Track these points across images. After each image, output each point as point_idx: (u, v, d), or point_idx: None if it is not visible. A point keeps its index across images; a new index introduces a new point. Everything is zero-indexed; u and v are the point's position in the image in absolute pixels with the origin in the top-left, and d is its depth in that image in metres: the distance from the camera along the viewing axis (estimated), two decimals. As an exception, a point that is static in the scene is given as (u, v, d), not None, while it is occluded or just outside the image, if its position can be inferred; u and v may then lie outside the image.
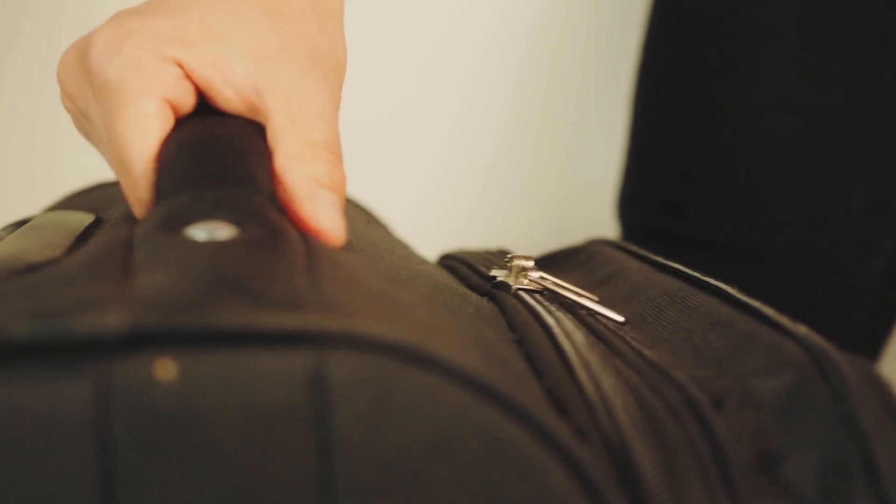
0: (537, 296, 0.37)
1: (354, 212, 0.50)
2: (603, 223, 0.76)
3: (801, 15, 0.59)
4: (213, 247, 0.25)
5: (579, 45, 0.82)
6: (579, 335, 0.32)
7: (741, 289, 0.35)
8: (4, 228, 0.37)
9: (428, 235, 0.58)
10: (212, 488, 0.20)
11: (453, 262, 0.46)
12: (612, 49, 0.81)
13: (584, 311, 0.36)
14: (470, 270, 0.43)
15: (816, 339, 0.30)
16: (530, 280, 0.38)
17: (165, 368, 0.20)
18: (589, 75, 0.83)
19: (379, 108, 0.80)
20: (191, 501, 0.20)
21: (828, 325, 0.35)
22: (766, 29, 0.60)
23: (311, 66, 0.36)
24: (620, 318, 0.36)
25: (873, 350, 0.65)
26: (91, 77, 0.34)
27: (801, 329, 0.30)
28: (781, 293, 0.48)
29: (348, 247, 0.34)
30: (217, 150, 0.32)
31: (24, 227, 0.35)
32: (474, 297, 0.38)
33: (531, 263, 0.39)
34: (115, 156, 0.33)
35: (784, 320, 0.31)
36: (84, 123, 0.37)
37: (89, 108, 0.35)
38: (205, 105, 0.35)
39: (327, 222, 0.32)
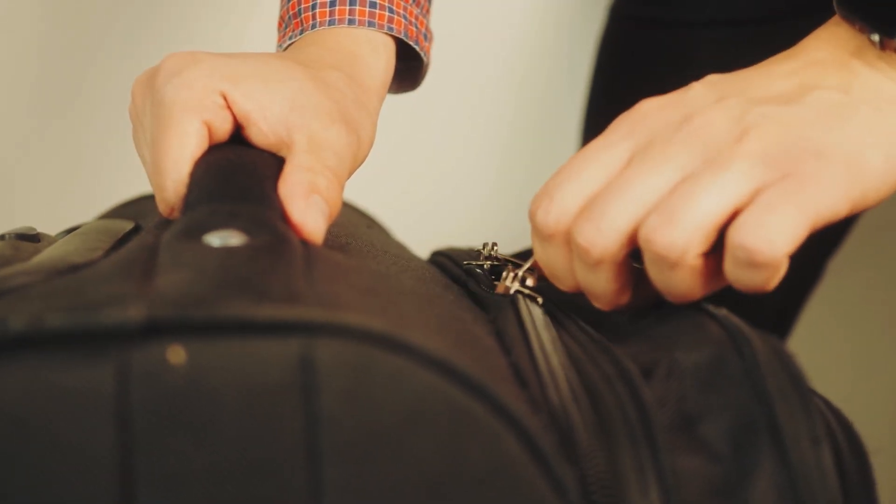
0: (515, 283, 0.36)
1: (358, 217, 0.49)
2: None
3: (720, 48, 0.57)
4: (225, 251, 0.24)
5: (541, 78, 0.81)
6: (538, 311, 0.31)
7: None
8: (58, 234, 0.36)
9: (424, 236, 0.57)
10: (216, 455, 0.19)
11: (441, 258, 0.45)
12: (567, 82, 0.80)
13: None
14: (453, 264, 0.42)
15: (734, 319, 0.28)
16: (499, 256, 0.38)
17: (176, 354, 0.20)
18: (548, 106, 0.82)
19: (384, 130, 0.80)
20: (198, 466, 0.19)
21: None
22: (689, 61, 0.58)
23: (340, 123, 0.34)
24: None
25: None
26: (153, 91, 0.33)
27: (722, 311, 0.29)
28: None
29: (348, 249, 0.34)
30: (240, 174, 0.31)
31: (72, 233, 0.34)
32: (456, 286, 0.37)
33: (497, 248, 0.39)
34: (154, 159, 0.33)
35: (707, 304, 0.30)
36: (139, 132, 0.36)
37: (145, 118, 0.34)
38: (239, 138, 0.34)
39: (311, 222, 0.30)
